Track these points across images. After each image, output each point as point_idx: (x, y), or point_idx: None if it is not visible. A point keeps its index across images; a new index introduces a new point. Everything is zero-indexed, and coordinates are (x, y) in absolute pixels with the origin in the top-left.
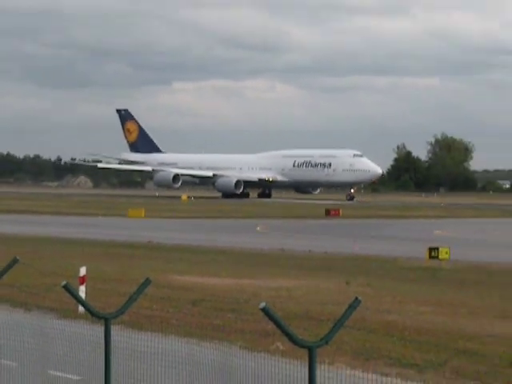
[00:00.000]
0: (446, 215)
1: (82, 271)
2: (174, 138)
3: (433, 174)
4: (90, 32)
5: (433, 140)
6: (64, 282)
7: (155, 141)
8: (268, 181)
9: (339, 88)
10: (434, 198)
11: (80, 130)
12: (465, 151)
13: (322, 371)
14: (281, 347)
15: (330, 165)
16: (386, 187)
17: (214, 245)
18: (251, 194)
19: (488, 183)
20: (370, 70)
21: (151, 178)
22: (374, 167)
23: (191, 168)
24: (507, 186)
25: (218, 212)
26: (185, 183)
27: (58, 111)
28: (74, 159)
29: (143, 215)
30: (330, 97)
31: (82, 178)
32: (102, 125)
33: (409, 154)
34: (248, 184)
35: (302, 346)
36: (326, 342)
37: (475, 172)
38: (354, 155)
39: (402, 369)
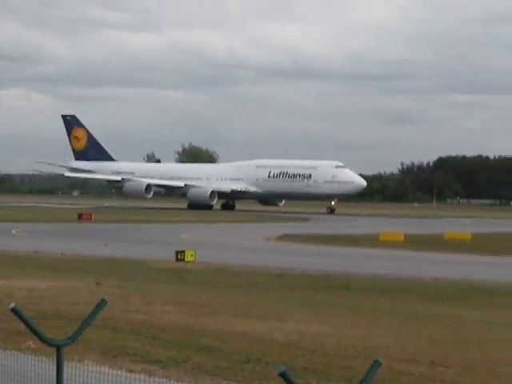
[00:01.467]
0: (192, 220)
1: None
2: None
3: None
4: None
5: (180, 149)
6: None
7: (106, 149)
8: (240, 192)
9: (90, 98)
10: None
11: None
12: (210, 160)
13: (70, 368)
14: (32, 346)
15: (310, 176)
16: None
17: None
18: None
19: None
20: (120, 82)
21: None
22: (359, 179)
23: (151, 177)
24: None
25: None
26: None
27: None
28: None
29: None
30: (82, 106)
31: None
32: None
33: (158, 162)
34: (219, 195)
35: (51, 345)
36: (73, 341)
37: None
38: (336, 166)
39: (147, 365)
